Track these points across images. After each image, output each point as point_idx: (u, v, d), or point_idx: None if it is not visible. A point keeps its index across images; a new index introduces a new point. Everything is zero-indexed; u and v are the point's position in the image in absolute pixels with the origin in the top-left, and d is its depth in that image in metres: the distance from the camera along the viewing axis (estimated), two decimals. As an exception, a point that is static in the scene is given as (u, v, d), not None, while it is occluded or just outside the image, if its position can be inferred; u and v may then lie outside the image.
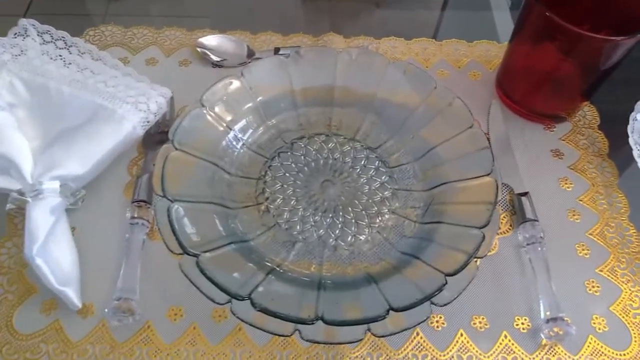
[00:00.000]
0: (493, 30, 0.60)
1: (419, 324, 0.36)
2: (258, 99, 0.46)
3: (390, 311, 0.34)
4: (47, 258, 0.36)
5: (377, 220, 0.43)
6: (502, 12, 0.62)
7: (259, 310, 0.33)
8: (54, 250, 0.37)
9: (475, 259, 0.37)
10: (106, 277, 0.39)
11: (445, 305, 0.36)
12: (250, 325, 0.34)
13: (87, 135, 0.41)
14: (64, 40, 0.47)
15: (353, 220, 0.42)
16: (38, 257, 0.35)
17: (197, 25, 0.57)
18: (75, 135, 0.41)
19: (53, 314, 0.38)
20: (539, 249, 0.42)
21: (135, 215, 0.41)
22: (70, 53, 0.46)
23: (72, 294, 0.37)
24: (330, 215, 0.42)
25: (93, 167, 0.41)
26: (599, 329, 0.40)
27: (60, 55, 0.46)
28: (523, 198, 0.45)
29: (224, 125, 0.44)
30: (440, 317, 0.40)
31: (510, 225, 0.45)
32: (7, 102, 0.43)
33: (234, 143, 0.45)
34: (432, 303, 0.35)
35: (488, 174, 0.41)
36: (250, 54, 0.53)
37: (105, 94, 0.43)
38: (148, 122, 0.44)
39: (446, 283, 0.35)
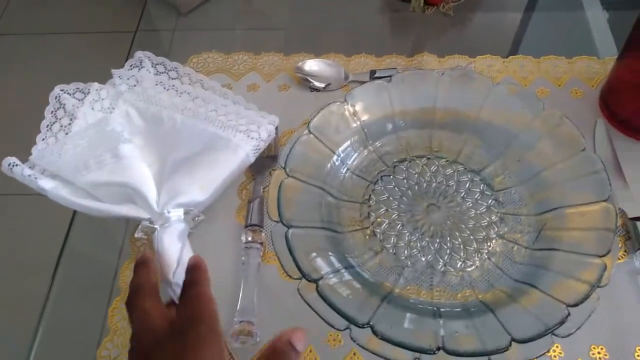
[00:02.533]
0: (591, 46, 0.58)
1: (540, 356, 0.35)
2: (360, 123, 0.47)
3: (512, 342, 0.34)
4: (179, 281, 0.38)
5: (486, 246, 0.42)
6: (600, 26, 0.60)
7: (380, 339, 0.34)
8: (182, 273, 0.39)
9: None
10: (223, 299, 0.41)
11: (566, 336, 0.35)
12: (370, 352, 0.35)
13: (206, 163, 0.43)
14: (176, 71, 0.50)
15: (461, 246, 0.42)
16: (174, 281, 0.38)
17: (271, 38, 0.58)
18: (195, 164, 0.43)
19: (178, 334, 0.40)
20: (659, 277, 0.41)
21: (250, 239, 0.43)
22: (182, 83, 0.49)
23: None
24: (438, 240, 0.42)
25: (212, 194, 0.43)
26: None
27: (173, 85, 0.48)
28: (638, 223, 0.43)
29: (330, 150, 0.45)
30: (557, 347, 0.39)
31: (625, 251, 0.43)
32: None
33: (338, 167, 0.46)
34: (553, 334, 0.35)
35: (605, 200, 0.40)
36: (346, 77, 0.54)
37: (218, 122, 0.46)
38: (259, 149, 0.46)
39: (569, 314, 0.34)
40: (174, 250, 0.38)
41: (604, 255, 0.37)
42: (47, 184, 0.41)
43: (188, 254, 0.41)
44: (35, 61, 1.41)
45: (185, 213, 0.41)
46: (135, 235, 0.41)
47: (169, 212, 0.40)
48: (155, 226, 0.40)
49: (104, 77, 0.51)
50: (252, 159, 0.45)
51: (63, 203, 0.41)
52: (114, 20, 1.37)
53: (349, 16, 0.65)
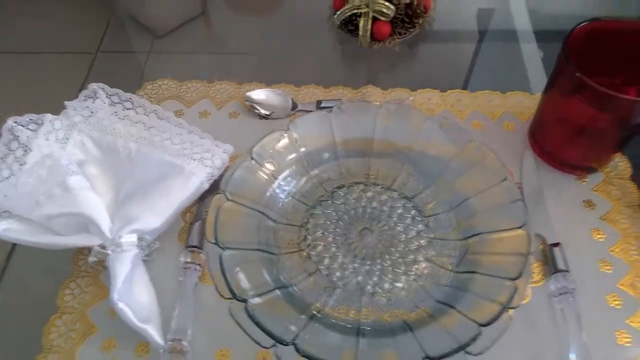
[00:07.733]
0: (525, 81, 0.62)
1: (454, 372, 0.37)
2: (302, 151, 0.49)
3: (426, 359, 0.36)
4: (129, 301, 0.40)
5: (414, 268, 0.45)
6: (534, 63, 0.64)
7: (302, 356, 0.36)
8: (134, 293, 0.41)
9: (508, 309, 0.39)
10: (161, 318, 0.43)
11: (478, 354, 0.37)
12: (295, 369, 0.37)
13: (160, 190, 0.45)
14: (131, 102, 0.52)
15: (390, 268, 0.45)
16: (120, 301, 0.39)
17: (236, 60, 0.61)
18: (149, 191, 0.45)
19: (113, 352, 0.41)
20: (570, 299, 0.43)
21: (189, 260, 0.44)
22: (137, 113, 0.51)
23: (153, 332, 0.40)
24: (369, 262, 0.45)
25: (167, 220, 0.45)
26: (633, 381, 0.41)
27: (127, 115, 0.50)
28: (555, 249, 0.47)
29: (271, 175, 0.47)
30: (474, 365, 0.41)
31: (543, 275, 0.46)
32: (79, 160, 0.47)
33: (279, 192, 0.48)
34: (466, 352, 0.37)
35: (521, 227, 0.43)
36: (294, 107, 0.57)
37: (173, 150, 0.48)
38: (213, 176, 0.48)
39: (480, 333, 0.37)
40: (121, 272, 0.40)
41: (516, 278, 0.40)
42: None
43: (141, 276, 0.42)
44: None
45: (140, 239, 0.43)
46: (89, 261, 0.42)
47: (120, 238, 0.42)
48: (108, 251, 0.41)
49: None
50: (207, 186, 0.48)
51: (16, 242, 0.43)
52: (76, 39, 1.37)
53: (302, 50, 0.68)
